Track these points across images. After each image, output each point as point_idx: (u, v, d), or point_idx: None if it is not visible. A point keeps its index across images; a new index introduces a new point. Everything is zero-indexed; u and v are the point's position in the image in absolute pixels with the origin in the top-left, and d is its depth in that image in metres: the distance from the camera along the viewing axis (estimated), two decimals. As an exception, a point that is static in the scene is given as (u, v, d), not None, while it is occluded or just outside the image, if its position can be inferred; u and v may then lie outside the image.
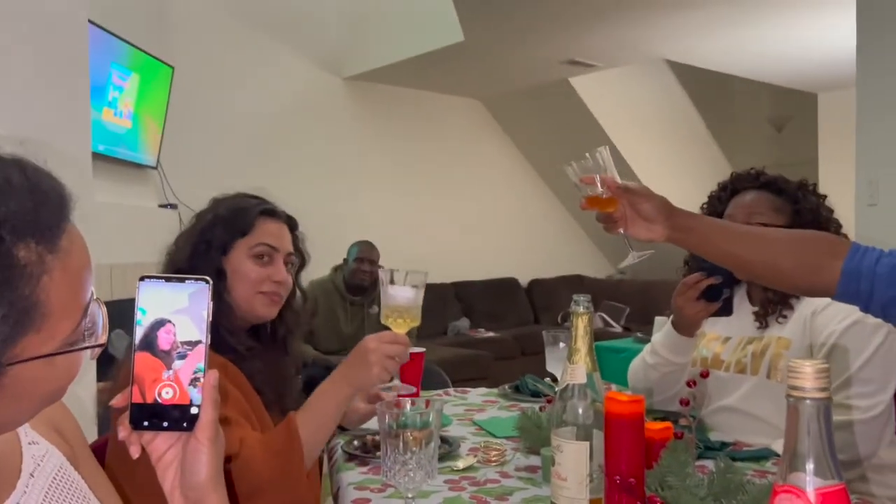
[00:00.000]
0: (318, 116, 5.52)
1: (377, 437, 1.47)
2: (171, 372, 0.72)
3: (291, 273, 1.46)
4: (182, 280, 0.73)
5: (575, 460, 1.01)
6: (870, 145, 2.89)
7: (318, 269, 3.99)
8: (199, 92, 4.71)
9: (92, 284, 0.68)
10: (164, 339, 0.72)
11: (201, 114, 4.75)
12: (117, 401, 0.74)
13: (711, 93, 7.16)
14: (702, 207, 1.78)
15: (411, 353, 1.74)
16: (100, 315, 0.69)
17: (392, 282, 1.38)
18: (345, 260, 4.13)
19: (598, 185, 1.18)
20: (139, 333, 0.72)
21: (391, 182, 5.91)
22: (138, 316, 0.72)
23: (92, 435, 2.22)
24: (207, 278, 0.74)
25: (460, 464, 1.33)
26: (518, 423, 1.48)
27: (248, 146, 5.02)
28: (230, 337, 1.36)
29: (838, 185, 4.10)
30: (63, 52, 2.39)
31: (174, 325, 0.72)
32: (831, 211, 1.64)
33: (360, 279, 4.04)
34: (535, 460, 1.37)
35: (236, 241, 1.39)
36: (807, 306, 1.56)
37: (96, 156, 3.21)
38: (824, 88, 6.28)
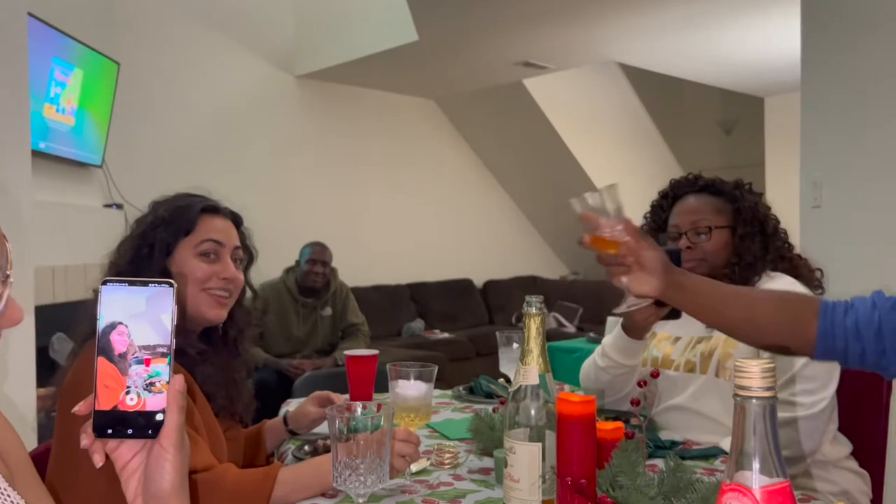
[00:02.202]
0: (269, 115, 5.45)
1: (328, 441, 1.45)
2: (134, 378, 0.71)
3: (240, 269, 1.43)
4: (145, 283, 0.72)
5: (527, 462, 1.01)
6: (814, 148, 2.97)
7: (270, 270, 3.93)
8: (147, 89, 4.60)
9: None
10: (118, 343, 0.71)
11: (149, 111, 4.64)
12: (80, 408, 0.72)
13: (662, 95, 7.30)
14: (644, 217, 1.80)
15: (363, 356, 1.73)
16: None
17: (401, 378, 1.37)
18: (297, 262, 4.08)
19: (604, 226, 1.16)
20: (99, 338, 0.71)
21: (344, 182, 5.86)
22: (99, 321, 0.71)
23: (31, 443, 2.14)
24: (171, 281, 0.72)
25: (413, 467, 1.31)
26: (471, 424, 1.48)
27: (198, 145, 4.92)
28: (180, 339, 1.32)
29: (784, 187, 4.22)
30: (0, 45, 2.30)
31: (127, 327, 0.71)
32: (769, 208, 1.70)
33: (312, 281, 3.99)
34: (488, 462, 1.36)
35: (180, 240, 1.35)
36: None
37: (37, 153, 3.11)
38: (770, 93, 6.45)
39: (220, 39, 5.12)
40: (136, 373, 0.71)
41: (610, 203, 1.17)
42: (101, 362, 0.71)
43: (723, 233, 1.63)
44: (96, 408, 0.71)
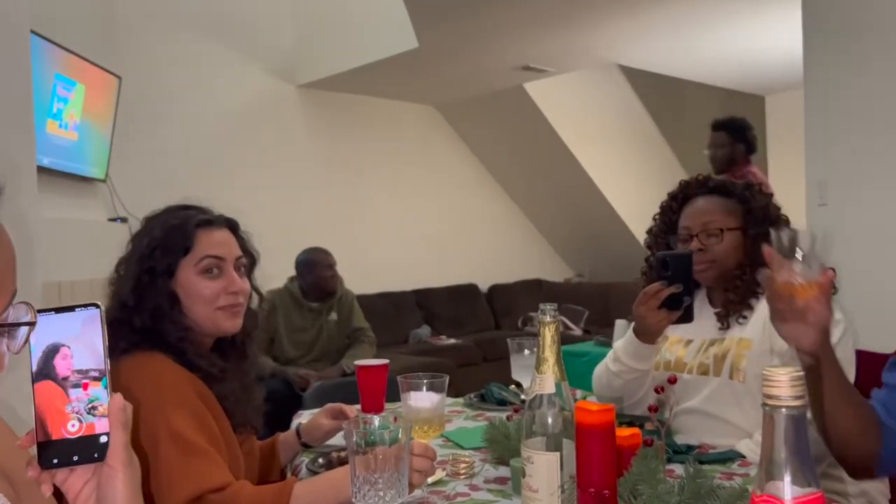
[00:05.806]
0: (271, 125, 5.45)
1: (342, 454, 1.44)
2: (73, 404, 0.71)
3: (244, 276, 1.41)
4: (72, 309, 0.72)
5: (546, 471, 1.00)
6: (819, 147, 2.96)
7: (275, 277, 3.94)
8: (149, 102, 4.61)
9: (14, 286, 0.67)
10: (61, 367, 0.71)
11: (151, 124, 4.65)
12: (23, 442, 0.71)
13: (663, 96, 7.28)
14: (654, 218, 1.78)
15: (374, 366, 1.72)
16: (21, 333, 0.69)
17: (412, 389, 1.36)
18: (297, 269, 4.09)
19: (797, 274, 1.10)
20: (35, 367, 0.70)
21: (347, 191, 5.86)
22: (33, 349, 0.71)
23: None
24: (98, 303, 0.72)
25: (429, 478, 1.30)
26: (486, 433, 1.47)
27: (201, 156, 4.92)
28: (200, 360, 1.30)
29: (787, 185, 4.21)
30: (4, 63, 2.30)
31: (70, 349, 0.71)
32: (779, 209, 1.68)
33: (331, 286, 4.01)
34: (504, 471, 1.35)
35: (180, 260, 1.32)
36: (766, 307, 1.57)
37: (42, 170, 3.11)
38: (771, 91, 6.44)
39: (221, 51, 5.13)
40: (77, 397, 0.71)
41: (809, 251, 1.12)
42: (42, 390, 0.70)
43: (734, 235, 1.62)
44: (39, 440, 0.70)
